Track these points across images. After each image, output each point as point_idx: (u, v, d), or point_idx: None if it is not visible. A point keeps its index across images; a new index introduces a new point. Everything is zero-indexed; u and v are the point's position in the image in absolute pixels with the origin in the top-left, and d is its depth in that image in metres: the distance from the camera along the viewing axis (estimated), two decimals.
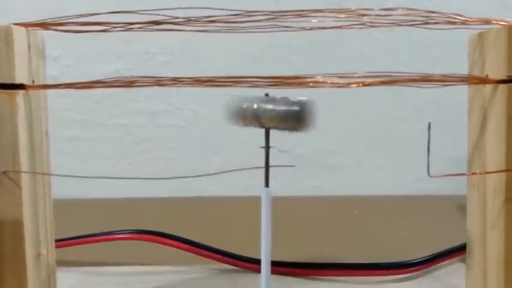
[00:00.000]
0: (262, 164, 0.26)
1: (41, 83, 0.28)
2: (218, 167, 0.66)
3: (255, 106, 0.25)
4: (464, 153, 0.29)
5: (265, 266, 0.26)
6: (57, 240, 0.31)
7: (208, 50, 0.65)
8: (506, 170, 0.25)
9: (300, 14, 0.25)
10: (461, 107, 0.30)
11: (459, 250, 0.38)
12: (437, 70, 0.26)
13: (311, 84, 0.24)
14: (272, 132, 0.26)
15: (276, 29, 0.25)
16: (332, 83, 0.24)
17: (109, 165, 0.67)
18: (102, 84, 0.25)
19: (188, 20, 0.25)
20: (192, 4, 0.26)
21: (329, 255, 0.43)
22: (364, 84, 0.24)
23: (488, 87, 0.26)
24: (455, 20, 0.26)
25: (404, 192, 0.67)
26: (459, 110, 0.31)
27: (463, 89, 0.29)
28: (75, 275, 0.38)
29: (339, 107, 0.67)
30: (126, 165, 0.67)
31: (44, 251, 0.28)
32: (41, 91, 0.28)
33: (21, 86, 0.25)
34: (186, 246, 0.39)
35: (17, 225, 0.25)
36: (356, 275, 0.38)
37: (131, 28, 0.25)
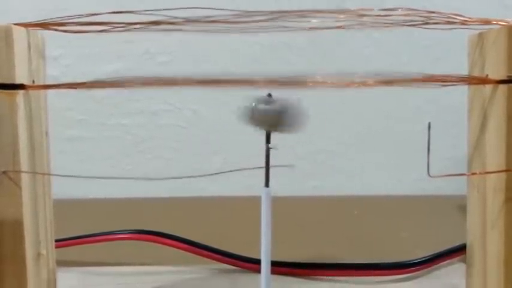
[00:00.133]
0: (262, 164, 0.26)
1: (41, 83, 0.28)
2: (218, 167, 0.66)
3: (253, 106, 0.25)
4: (464, 153, 0.29)
5: (265, 266, 0.26)
6: (57, 240, 0.31)
7: (208, 50, 0.65)
8: (506, 170, 0.25)
9: (300, 14, 0.25)
10: (461, 107, 0.30)
11: (459, 250, 0.38)
12: (437, 70, 0.26)
13: (311, 84, 0.24)
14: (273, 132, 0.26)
15: (276, 29, 0.25)
16: (332, 83, 0.24)
17: (109, 165, 0.67)
18: (102, 85, 0.25)
19: (188, 20, 0.25)
20: (192, 4, 0.26)
21: (329, 255, 0.43)
22: (364, 85, 0.24)
23: (488, 87, 0.26)
24: (455, 20, 0.26)
25: (404, 192, 0.67)
26: (459, 110, 0.31)
27: (463, 89, 0.29)
28: (75, 275, 0.38)
29: (339, 107, 0.67)
30: (126, 165, 0.67)
31: (44, 251, 0.28)
32: (41, 91, 0.28)
33: (21, 86, 0.25)
34: (186, 246, 0.39)
35: (17, 225, 0.25)
36: (356, 275, 0.38)
37: (131, 28, 0.25)
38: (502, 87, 0.25)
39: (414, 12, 0.25)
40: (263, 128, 0.25)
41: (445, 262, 0.39)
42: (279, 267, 0.38)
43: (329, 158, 0.69)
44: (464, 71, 0.28)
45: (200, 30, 0.25)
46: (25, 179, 0.25)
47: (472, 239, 0.29)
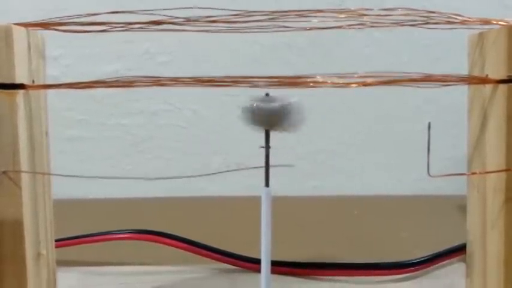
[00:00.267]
0: (262, 164, 0.26)
1: (41, 83, 0.28)
2: (218, 167, 0.66)
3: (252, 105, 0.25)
4: (464, 153, 0.29)
5: (265, 266, 0.26)
6: (57, 240, 0.31)
7: (208, 50, 0.65)
8: (506, 170, 0.25)
9: (300, 14, 0.25)
10: (461, 107, 0.30)
11: (459, 250, 0.38)
12: (437, 70, 0.26)
13: (311, 84, 0.24)
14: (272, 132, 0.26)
15: (276, 29, 0.25)
16: (332, 83, 0.24)
17: (109, 165, 0.67)
18: (102, 85, 0.25)
19: (188, 20, 0.25)
20: (192, 4, 0.26)
21: (329, 255, 0.43)
22: (364, 84, 0.24)
23: (488, 87, 0.26)
24: (455, 20, 0.26)
25: (404, 192, 0.67)
26: (459, 110, 0.31)
27: (463, 89, 0.29)
28: (75, 275, 0.38)
29: (339, 107, 0.67)
30: (126, 165, 0.67)
31: (44, 251, 0.28)
32: (41, 91, 0.28)
33: (21, 86, 0.25)
34: (185, 246, 0.39)
35: (17, 225, 0.25)
36: (356, 275, 0.38)
37: (131, 28, 0.25)
38: (502, 87, 0.25)
39: (414, 12, 0.25)
40: (262, 127, 0.25)
41: (444, 262, 0.39)
42: (279, 267, 0.38)
43: (329, 158, 0.69)
44: (464, 71, 0.28)
45: (200, 30, 0.25)
46: (25, 179, 0.25)
47: (472, 239, 0.29)
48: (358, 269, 0.38)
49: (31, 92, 0.26)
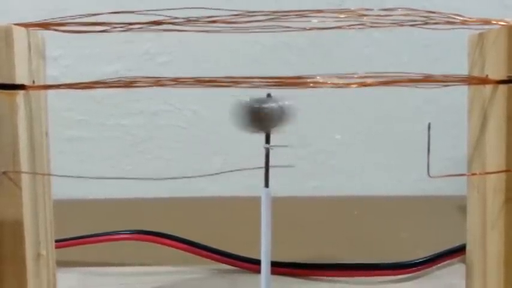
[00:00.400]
0: (262, 164, 0.26)
1: (41, 83, 0.28)
2: (218, 167, 0.66)
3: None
4: (464, 153, 0.29)
5: (265, 266, 0.26)
6: (57, 241, 0.31)
7: (208, 50, 0.65)
8: (506, 171, 0.25)
9: (300, 14, 0.25)
10: (461, 107, 0.30)
11: (459, 250, 0.38)
12: (437, 70, 0.26)
13: (311, 84, 0.24)
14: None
15: (276, 29, 0.25)
16: (332, 83, 0.24)
17: (109, 165, 0.67)
18: (102, 85, 0.25)
19: (188, 20, 0.25)
20: (192, 4, 0.26)
21: (329, 255, 0.43)
22: (364, 85, 0.24)
23: (488, 88, 0.26)
24: (455, 20, 0.26)
25: (404, 193, 0.67)
26: (459, 110, 0.31)
27: (463, 89, 0.29)
28: (75, 276, 0.38)
29: (339, 107, 0.67)
30: (126, 166, 0.67)
31: (44, 252, 0.28)
32: (41, 91, 0.28)
33: (21, 87, 0.25)
34: (185, 246, 0.39)
35: (17, 226, 0.25)
36: (356, 275, 0.38)
37: (131, 28, 0.25)
38: (502, 87, 0.25)
39: (414, 12, 0.25)
40: (255, 128, 0.25)
41: (445, 262, 0.39)
42: (279, 267, 0.38)
43: (329, 158, 0.69)
44: (464, 71, 0.28)
45: (200, 31, 0.25)
46: (25, 179, 0.25)
47: (472, 239, 0.29)
48: (358, 269, 0.38)
49: (31, 92, 0.26)
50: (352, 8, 0.25)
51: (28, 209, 0.25)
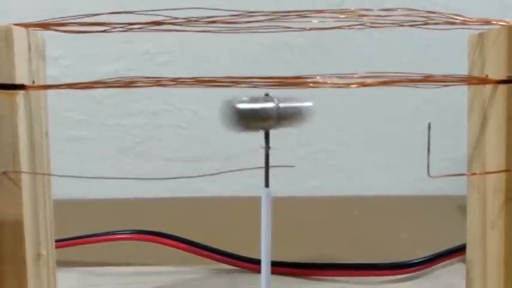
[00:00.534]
0: (262, 164, 0.26)
1: (41, 83, 0.28)
2: (218, 167, 0.66)
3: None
4: (464, 153, 0.29)
5: (265, 266, 0.26)
6: (57, 241, 0.31)
7: (208, 50, 0.65)
8: (506, 170, 0.25)
9: (301, 14, 0.25)
10: (461, 107, 0.30)
11: (459, 250, 0.38)
12: (437, 70, 0.26)
13: (311, 84, 0.24)
14: (272, 132, 0.26)
15: (277, 30, 0.25)
16: (332, 83, 0.24)
17: (109, 165, 0.67)
18: (102, 85, 0.25)
19: (188, 20, 0.25)
20: (192, 4, 0.26)
21: (329, 255, 0.43)
22: (364, 85, 0.24)
23: (488, 88, 0.26)
24: (455, 20, 0.26)
25: (404, 193, 0.67)
26: (459, 110, 0.31)
27: (463, 89, 0.29)
28: (75, 276, 0.38)
29: (339, 107, 0.67)
30: (126, 166, 0.67)
31: (44, 252, 0.28)
32: (41, 91, 0.28)
33: (21, 87, 0.25)
34: (185, 246, 0.39)
35: (17, 226, 0.25)
36: (356, 275, 0.38)
37: (131, 28, 0.25)
38: (502, 87, 0.25)
39: (414, 12, 0.25)
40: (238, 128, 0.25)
41: (444, 262, 0.39)
42: (279, 267, 0.38)
43: (329, 158, 0.69)
44: (464, 71, 0.28)
45: (200, 31, 0.25)
46: (25, 179, 0.25)
47: (472, 239, 0.29)
48: (358, 269, 0.38)
49: (31, 92, 0.26)
50: (352, 8, 0.25)
51: (28, 209, 0.25)
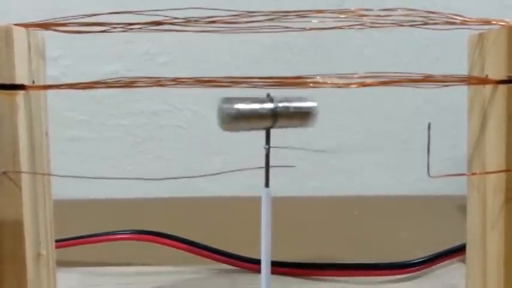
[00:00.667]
0: (263, 164, 0.26)
1: (41, 83, 0.28)
2: (218, 167, 0.66)
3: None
4: (464, 153, 0.29)
5: (265, 266, 0.26)
6: (57, 241, 0.31)
7: (208, 50, 0.65)
8: (506, 170, 0.25)
9: (300, 14, 0.25)
10: (461, 107, 0.30)
11: (459, 250, 0.38)
12: (437, 70, 0.26)
13: (311, 84, 0.24)
14: (272, 132, 0.26)
15: (277, 30, 0.25)
16: (332, 83, 0.24)
17: (109, 165, 0.67)
18: (102, 85, 0.25)
19: (188, 21, 0.25)
20: (192, 4, 0.26)
21: (329, 255, 0.43)
22: (364, 85, 0.24)
23: (488, 88, 0.26)
24: (454, 20, 0.26)
25: (404, 193, 0.67)
26: (459, 110, 0.31)
27: (463, 89, 0.29)
28: (75, 276, 0.38)
29: (339, 107, 0.67)
30: (127, 166, 0.67)
31: (44, 252, 0.28)
32: (41, 91, 0.28)
33: (21, 87, 0.25)
34: (185, 246, 0.39)
35: (17, 226, 0.25)
36: (356, 275, 0.38)
37: (131, 28, 0.25)
38: (502, 87, 0.25)
39: (414, 12, 0.25)
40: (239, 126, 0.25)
41: (444, 262, 0.39)
42: (279, 267, 0.38)
43: (329, 158, 0.69)
44: (464, 71, 0.28)
45: (200, 31, 0.25)
46: (25, 179, 0.25)
47: (472, 239, 0.29)
48: (358, 269, 0.38)
49: (31, 92, 0.26)
50: (352, 8, 0.25)
51: (28, 209, 0.25)
